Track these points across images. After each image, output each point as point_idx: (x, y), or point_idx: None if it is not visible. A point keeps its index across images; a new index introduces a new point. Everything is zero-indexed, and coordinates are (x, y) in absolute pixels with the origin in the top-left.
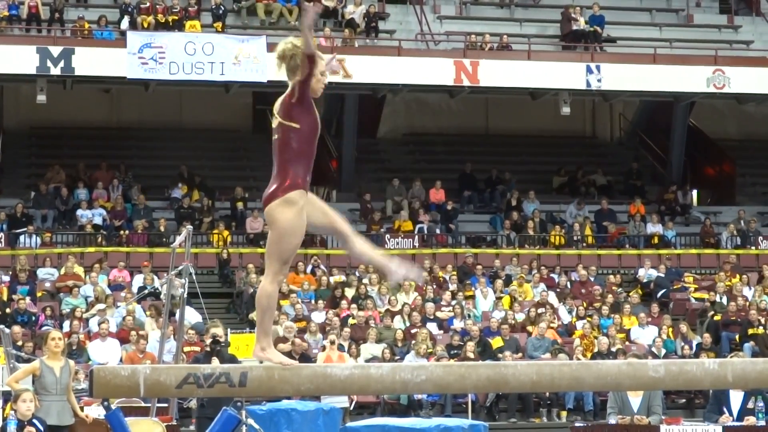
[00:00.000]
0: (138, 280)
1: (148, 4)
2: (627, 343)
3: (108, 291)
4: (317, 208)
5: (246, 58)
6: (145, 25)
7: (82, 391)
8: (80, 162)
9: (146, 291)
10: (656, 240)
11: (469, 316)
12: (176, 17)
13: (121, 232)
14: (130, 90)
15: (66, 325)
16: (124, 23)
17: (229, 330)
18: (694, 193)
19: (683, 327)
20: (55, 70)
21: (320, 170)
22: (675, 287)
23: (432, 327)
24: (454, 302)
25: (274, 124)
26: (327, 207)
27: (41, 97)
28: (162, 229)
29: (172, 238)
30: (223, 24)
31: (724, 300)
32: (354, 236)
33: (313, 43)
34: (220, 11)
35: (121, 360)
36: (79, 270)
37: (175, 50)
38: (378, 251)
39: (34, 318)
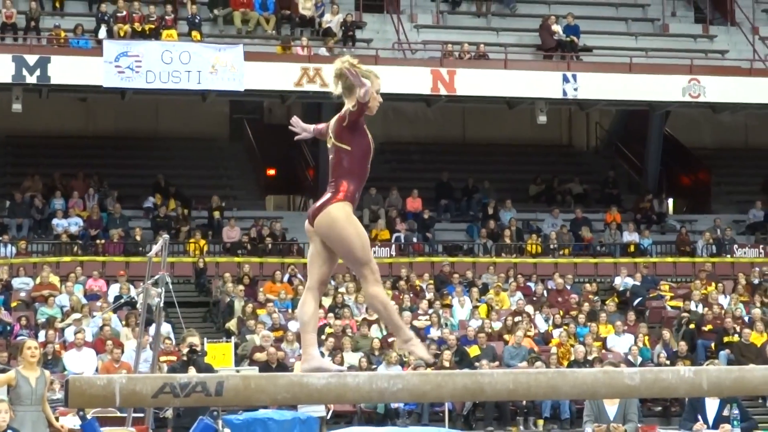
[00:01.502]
0: (114, 290)
1: (124, 13)
2: (603, 351)
3: (84, 300)
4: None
5: (223, 67)
6: (122, 34)
7: (57, 402)
8: (56, 171)
9: (122, 300)
10: (632, 248)
11: (446, 324)
12: (153, 26)
13: (97, 241)
14: (106, 99)
15: (41, 334)
16: (101, 32)
17: (205, 339)
18: (670, 201)
19: (666, 333)
20: (31, 79)
21: (297, 179)
22: (651, 295)
23: None
24: (431, 311)
25: (329, 143)
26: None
27: (17, 106)
28: (138, 238)
29: (148, 247)
30: (200, 33)
31: (700, 308)
32: (318, 301)
33: (366, 80)
34: (197, 20)
35: (96, 370)
36: (55, 279)
37: (152, 59)
38: (314, 330)
39: (9, 328)
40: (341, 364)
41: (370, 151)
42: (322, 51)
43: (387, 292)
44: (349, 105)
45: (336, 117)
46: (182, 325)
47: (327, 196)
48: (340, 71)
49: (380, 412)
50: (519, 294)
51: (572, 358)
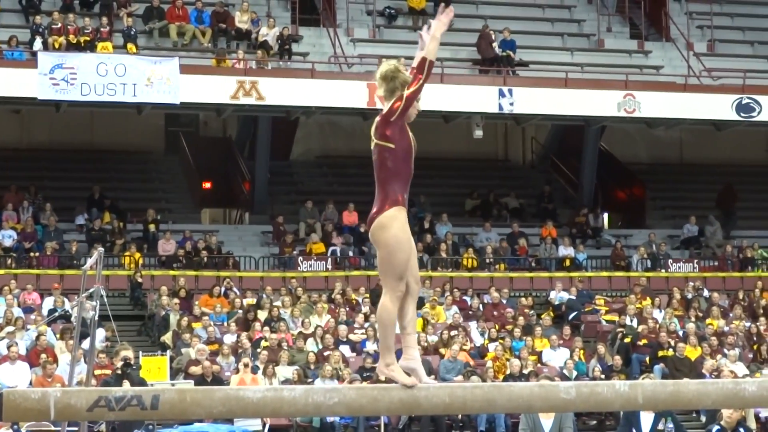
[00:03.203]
0: (48, 303)
1: (59, 25)
2: (539, 365)
3: (18, 313)
4: (414, 253)
5: (158, 80)
6: (57, 46)
7: None
8: None
9: (57, 314)
10: (568, 263)
11: None
12: (88, 38)
13: (32, 254)
14: (40, 111)
15: None
16: (36, 44)
17: (140, 353)
18: (605, 216)
19: (601, 348)
20: None
21: (233, 192)
22: (586, 310)
23: (345, 349)
24: (367, 324)
25: (372, 145)
26: (415, 258)
27: None
28: (73, 251)
29: (83, 260)
30: (136, 45)
31: (635, 322)
32: (415, 300)
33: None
34: (133, 32)
35: (30, 383)
36: None
37: (87, 71)
38: (414, 330)
39: None
40: (273, 377)
41: (412, 150)
42: (252, 64)
43: (322, 306)
44: (388, 105)
45: (379, 117)
46: (117, 338)
47: (379, 203)
48: (385, 74)
49: (316, 426)
50: (455, 308)
51: (508, 371)
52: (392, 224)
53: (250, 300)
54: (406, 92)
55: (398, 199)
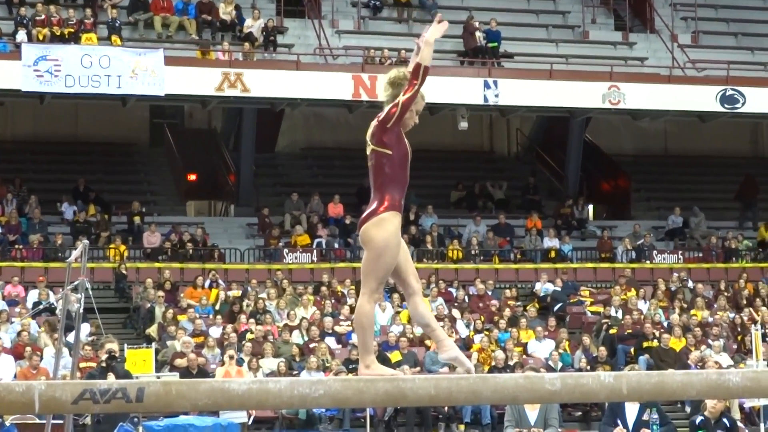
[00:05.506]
0: (33, 296)
1: (43, 17)
2: (524, 356)
3: (2, 306)
4: (405, 253)
5: (143, 72)
6: (41, 38)
7: None
8: None
9: (41, 306)
10: (553, 254)
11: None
12: (72, 30)
13: (16, 246)
14: (24, 103)
15: None
16: (20, 35)
17: (125, 345)
18: (590, 207)
19: (586, 339)
20: None
21: (218, 184)
22: (571, 301)
23: (330, 341)
24: (352, 316)
25: (368, 150)
26: (409, 257)
27: None
28: (58, 243)
29: (67, 253)
30: (120, 37)
31: (620, 313)
32: (421, 296)
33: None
34: (117, 24)
35: (15, 376)
36: None
37: (71, 63)
38: (436, 322)
39: None
40: (258, 369)
41: (409, 156)
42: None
43: (308, 297)
44: (385, 110)
45: (375, 122)
46: (102, 331)
47: (374, 205)
48: (394, 79)
49: (302, 418)
50: (440, 299)
51: (493, 363)
52: (384, 227)
53: (235, 292)
54: (402, 98)
55: (395, 204)
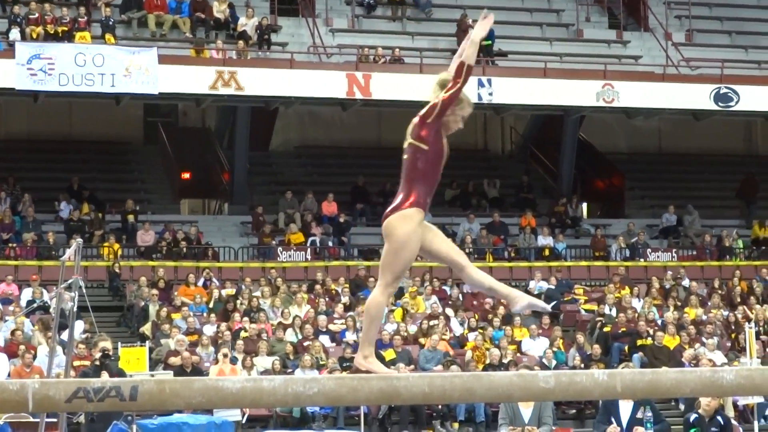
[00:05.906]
0: (27, 294)
1: (36, 15)
2: (518, 354)
3: None
4: (437, 236)
5: (137, 70)
6: (34, 36)
7: None
8: None
9: (35, 305)
10: (547, 252)
11: (361, 328)
12: (66, 28)
13: (10, 245)
14: (18, 101)
15: None
16: (13, 34)
17: (119, 343)
18: (584, 205)
19: (580, 337)
20: None
21: (212, 183)
22: (565, 299)
23: (324, 339)
24: (347, 315)
25: (405, 144)
26: (444, 237)
27: None
28: (51, 242)
29: (61, 251)
30: (114, 36)
31: (614, 311)
32: (471, 266)
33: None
34: (111, 22)
35: (8, 375)
36: None
37: (65, 61)
38: (496, 281)
39: None
40: (252, 367)
41: (444, 155)
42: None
43: (302, 296)
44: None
45: (417, 118)
46: (96, 329)
47: (399, 199)
48: (444, 81)
49: (296, 416)
50: (434, 298)
51: (487, 361)
52: (406, 223)
53: (229, 290)
54: (443, 95)
55: (420, 201)
